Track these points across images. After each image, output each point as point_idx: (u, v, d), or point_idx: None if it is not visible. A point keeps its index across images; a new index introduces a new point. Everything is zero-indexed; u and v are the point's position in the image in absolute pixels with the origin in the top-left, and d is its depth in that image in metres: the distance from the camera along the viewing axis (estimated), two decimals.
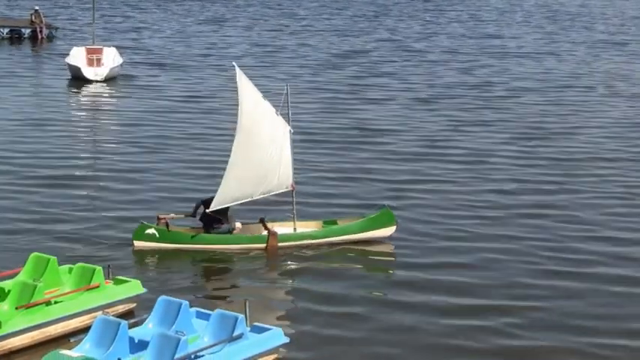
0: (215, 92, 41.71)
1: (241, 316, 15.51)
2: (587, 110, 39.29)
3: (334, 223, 22.45)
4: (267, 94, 41.96)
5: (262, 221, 22.02)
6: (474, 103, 39.97)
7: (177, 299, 16.11)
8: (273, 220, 22.44)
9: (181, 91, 41.86)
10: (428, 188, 27.13)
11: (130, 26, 64.28)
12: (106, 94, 41.90)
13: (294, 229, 22.10)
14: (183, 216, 22.25)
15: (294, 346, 16.59)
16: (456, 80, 45.75)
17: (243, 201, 21.92)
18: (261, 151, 21.80)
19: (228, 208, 21.79)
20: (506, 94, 42.29)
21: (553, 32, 67.13)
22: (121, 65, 45.05)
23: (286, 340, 15.97)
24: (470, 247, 22.33)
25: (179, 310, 15.73)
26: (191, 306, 16.21)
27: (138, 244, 21.39)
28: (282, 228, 22.08)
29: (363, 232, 22.21)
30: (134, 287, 18.12)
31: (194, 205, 22.11)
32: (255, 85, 22.26)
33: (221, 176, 23.12)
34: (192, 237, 21.46)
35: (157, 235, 21.31)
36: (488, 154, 31.35)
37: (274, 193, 22.41)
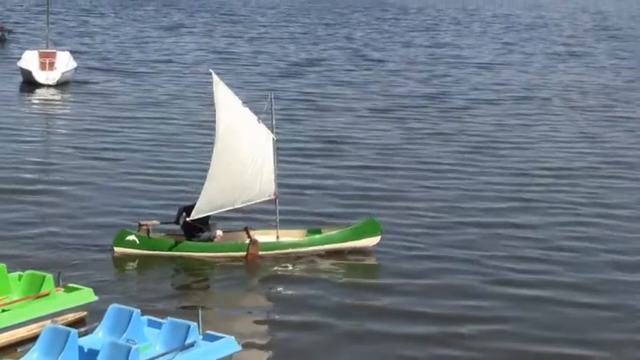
0: (171, 99, 41.23)
1: (194, 324, 15.28)
2: (542, 122, 39.31)
3: (318, 231, 22.11)
4: None
5: (246, 229, 21.76)
6: (433, 114, 39.92)
7: (129, 307, 15.77)
8: (258, 229, 22.13)
9: (136, 98, 41.30)
10: (381, 204, 26.62)
11: (85, 31, 63.60)
12: (58, 100, 41.20)
13: (277, 237, 21.76)
14: (158, 222, 21.88)
15: (247, 355, 16.36)
16: (415, 90, 45.70)
17: (224, 209, 21.66)
18: (242, 159, 21.51)
19: (209, 215, 21.56)
20: (463, 105, 42.29)
21: (510, 43, 67.54)
22: (75, 70, 44.40)
23: (239, 348, 15.75)
24: (435, 265, 21.85)
25: (130, 319, 15.39)
26: (143, 314, 15.92)
27: (118, 250, 21.18)
28: (265, 236, 21.74)
29: (347, 241, 21.84)
30: (85, 295, 17.64)
31: (176, 212, 21.79)
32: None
33: (178, 186, 22.66)
34: (173, 244, 21.23)
35: (138, 242, 21.09)
36: (445, 167, 31.15)
37: (257, 201, 22.08)
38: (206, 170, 29.06)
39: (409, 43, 64.58)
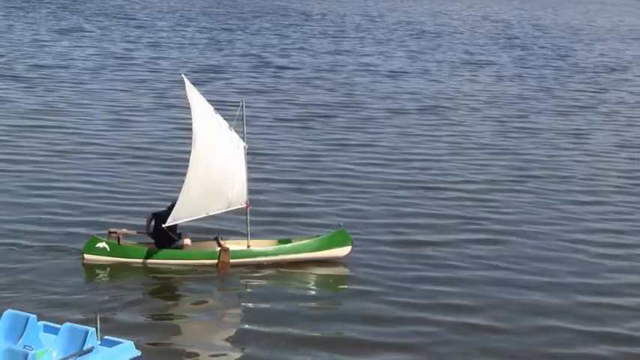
0: (68, 106, 39.31)
1: (92, 329, 15.14)
2: (450, 133, 38.59)
3: (289, 242, 22.27)
4: (127, 109, 39.84)
5: (217, 239, 21.82)
6: (342, 124, 38.97)
7: (25, 313, 15.36)
8: (228, 239, 22.12)
9: (31, 105, 39.27)
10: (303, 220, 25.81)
11: None
12: None
13: (248, 247, 21.84)
14: (135, 232, 21.91)
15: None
16: (323, 99, 44.59)
17: (198, 217, 21.68)
18: (216, 165, 21.50)
19: (177, 224, 21.55)
20: (371, 115, 41.33)
21: (416, 51, 67.02)
22: None
23: (138, 353, 15.55)
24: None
25: (26, 324, 15.09)
26: (39, 319, 15.53)
27: (88, 257, 21.17)
28: (235, 246, 21.79)
29: (317, 251, 21.95)
30: None
31: (146, 220, 21.75)
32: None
33: (67, 204, 22.69)
34: (144, 252, 21.31)
35: (108, 249, 21.14)
36: (353, 179, 30.32)
37: (230, 209, 22.10)
38: (110, 180, 28.12)
39: (314, 50, 63.56)
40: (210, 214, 21.80)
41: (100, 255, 21.06)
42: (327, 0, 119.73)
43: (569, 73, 59.86)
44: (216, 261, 21.23)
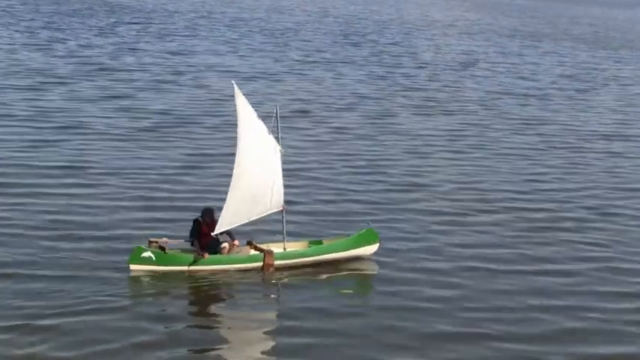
0: None
1: None
2: (308, 138, 35.78)
3: (319, 242, 22.86)
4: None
5: (250, 243, 22.18)
6: (199, 134, 35.58)
7: None
8: (261, 242, 22.41)
9: None
10: None
11: None
12: None
13: (284, 249, 22.30)
14: (181, 241, 21.75)
15: None
16: (173, 108, 40.50)
17: (242, 223, 21.93)
18: (259, 172, 21.90)
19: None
20: (216, 123, 37.82)
21: (262, 50, 63.67)
22: None
23: None
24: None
25: None
26: None
27: (134, 267, 21.01)
28: (274, 249, 22.15)
29: (349, 250, 22.70)
30: None
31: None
32: None
33: None
34: (190, 259, 21.34)
35: (154, 258, 21.05)
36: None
37: (268, 213, 22.52)
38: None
39: (149, 51, 59.04)
40: (252, 219, 22.19)
41: (146, 264, 20.94)
42: None
43: (416, 72, 58.17)
44: (261, 264, 21.63)
